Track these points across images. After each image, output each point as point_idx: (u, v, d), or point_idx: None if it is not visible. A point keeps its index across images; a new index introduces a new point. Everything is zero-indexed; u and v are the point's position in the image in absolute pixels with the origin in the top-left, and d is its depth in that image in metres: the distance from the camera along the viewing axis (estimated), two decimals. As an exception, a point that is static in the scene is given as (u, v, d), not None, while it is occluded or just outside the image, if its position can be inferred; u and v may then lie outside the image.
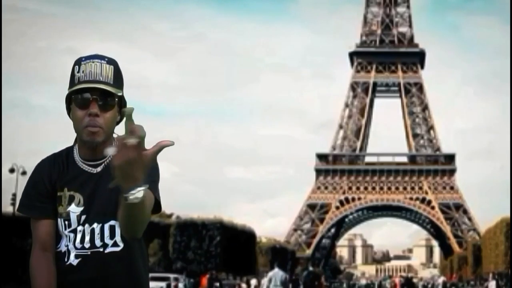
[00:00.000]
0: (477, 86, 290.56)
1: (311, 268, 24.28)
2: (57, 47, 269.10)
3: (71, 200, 2.30)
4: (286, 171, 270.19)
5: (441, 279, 46.90)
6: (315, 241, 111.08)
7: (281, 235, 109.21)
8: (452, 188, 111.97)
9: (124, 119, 1.80)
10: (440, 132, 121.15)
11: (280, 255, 58.41)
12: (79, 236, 2.28)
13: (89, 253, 2.26)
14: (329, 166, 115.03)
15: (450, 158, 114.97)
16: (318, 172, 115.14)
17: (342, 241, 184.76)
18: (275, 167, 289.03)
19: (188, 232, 42.59)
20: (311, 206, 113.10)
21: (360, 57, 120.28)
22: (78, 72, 2.24)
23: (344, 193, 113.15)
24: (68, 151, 2.37)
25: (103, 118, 2.23)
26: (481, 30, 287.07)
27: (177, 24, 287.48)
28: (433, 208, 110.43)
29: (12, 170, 35.15)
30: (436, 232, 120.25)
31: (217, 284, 35.21)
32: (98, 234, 2.27)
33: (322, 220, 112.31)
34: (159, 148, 1.83)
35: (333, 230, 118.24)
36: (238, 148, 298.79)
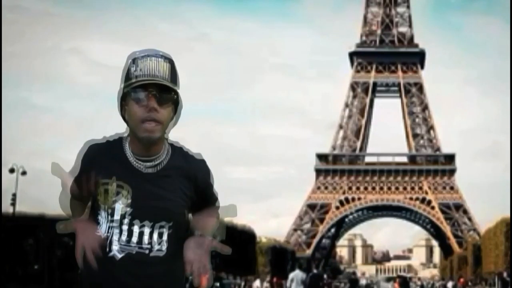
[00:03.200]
0: (478, 86, 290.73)
1: (315, 270, 25.65)
2: (60, 47, 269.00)
3: (118, 192, 2.27)
4: (288, 171, 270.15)
5: (450, 284, 46.24)
6: (315, 241, 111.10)
7: (285, 235, 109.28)
8: (452, 188, 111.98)
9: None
10: (440, 132, 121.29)
11: (299, 259, 60.29)
12: (125, 231, 2.27)
13: (134, 251, 2.26)
14: (329, 166, 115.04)
15: (450, 158, 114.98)
16: (318, 172, 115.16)
17: (342, 241, 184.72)
18: (276, 167, 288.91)
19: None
20: (311, 206, 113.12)
21: (360, 57, 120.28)
22: (135, 69, 2.25)
23: (344, 193, 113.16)
24: (119, 142, 2.36)
25: (161, 113, 2.25)
26: (482, 30, 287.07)
27: (181, 24, 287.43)
28: (433, 208, 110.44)
29: (12, 170, 35.15)
30: (436, 232, 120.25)
31: (217, 284, 35.24)
32: (147, 235, 2.27)
33: (322, 220, 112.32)
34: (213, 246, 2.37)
35: (333, 230, 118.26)
36: (239, 148, 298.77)
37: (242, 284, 46.58)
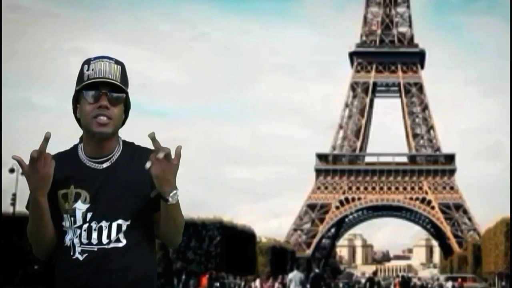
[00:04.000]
0: (478, 86, 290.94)
1: (316, 270, 26.98)
2: (61, 47, 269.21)
3: (77, 197, 2.38)
4: (288, 171, 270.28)
5: (449, 284, 46.10)
6: (315, 241, 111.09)
7: (285, 235, 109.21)
8: (452, 188, 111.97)
9: (152, 140, 2.20)
10: (440, 132, 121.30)
11: (299, 259, 61.16)
12: (85, 232, 2.36)
13: (95, 249, 2.34)
14: (329, 166, 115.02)
15: (450, 158, 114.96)
16: (318, 172, 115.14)
17: (342, 241, 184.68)
18: (277, 167, 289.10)
19: (188, 232, 42.56)
20: (311, 206, 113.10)
21: (360, 57, 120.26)
22: (88, 70, 2.37)
23: (344, 193, 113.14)
24: (73, 149, 2.47)
25: (112, 110, 2.36)
26: (482, 30, 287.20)
27: (182, 24, 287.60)
28: (433, 208, 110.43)
29: (12, 170, 35.12)
30: (436, 232, 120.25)
31: (217, 284, 35.25)
32: (106, 231, 2.35)
33: (322, 220, 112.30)
34: (179, 154, 2.24)
35: (333, 230, 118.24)
36: (240, 148, 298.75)
37: (242, 284, 46.54)
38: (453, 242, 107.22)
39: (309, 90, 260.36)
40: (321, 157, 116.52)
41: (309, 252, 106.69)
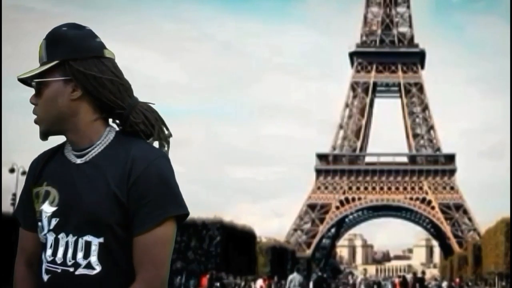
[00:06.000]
0: (478, 86, 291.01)
1: (319, 273, 28.33)
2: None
3: (46, 196, 1.83)
4: (289, 171, 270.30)
5: (444, 284, 46.29)
6: (315, 241, 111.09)
7: (285, 235, 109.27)
8: (452, 188, 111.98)
9: None
10: (440, 132, 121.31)
11: (300, 259, 61.76)
12: (50, 244, 1.80)
13: (59, 270, 1.77)
14: (329, 166, 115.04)
15: (450, 158, 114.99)
16: (318, 172, 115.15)
17: (342, 241, 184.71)
18: (277, 167, 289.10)
19: (188, 232, 42.58)
20: (311, 206, 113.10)
21: (360, 57, 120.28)
22: None
23: (344, 193, 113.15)
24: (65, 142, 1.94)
25: (38, 104, 1.84)
26: (482, 30, 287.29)
27: (184, 24, 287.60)
28: (433, 208, 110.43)
29: (12, 170, 35.15)
30: (436, 232, 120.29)
31: (217, 284, 35.26)
32: (71, 249, 1.77)
33: (322, 220, 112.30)
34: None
35: (333, 230, 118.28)
36: (240, 148, 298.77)
37: (242, 284, 46.58)
38: (453, 242, 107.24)
39: (310, 90, 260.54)
40: (321, 157, 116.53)
41: (309, 252, 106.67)
